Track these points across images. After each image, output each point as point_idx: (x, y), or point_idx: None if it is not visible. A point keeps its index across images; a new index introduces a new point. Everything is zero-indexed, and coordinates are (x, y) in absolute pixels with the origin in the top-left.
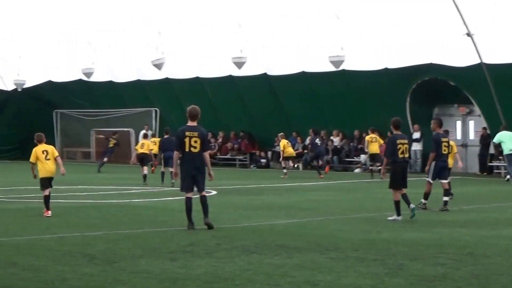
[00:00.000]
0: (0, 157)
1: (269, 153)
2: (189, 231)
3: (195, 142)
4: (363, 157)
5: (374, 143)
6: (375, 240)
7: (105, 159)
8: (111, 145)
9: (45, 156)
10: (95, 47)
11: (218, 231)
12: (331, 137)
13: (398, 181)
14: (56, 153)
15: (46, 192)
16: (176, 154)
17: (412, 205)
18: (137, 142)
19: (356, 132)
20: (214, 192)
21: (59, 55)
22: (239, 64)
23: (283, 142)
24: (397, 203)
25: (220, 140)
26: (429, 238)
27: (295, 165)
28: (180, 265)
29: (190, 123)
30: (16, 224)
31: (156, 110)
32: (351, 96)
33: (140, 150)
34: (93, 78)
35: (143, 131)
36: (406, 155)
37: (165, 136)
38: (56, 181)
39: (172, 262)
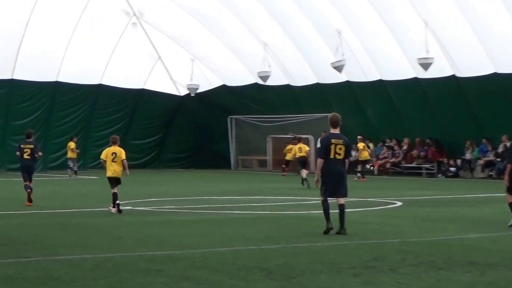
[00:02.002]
0: (171, 166)
1: (459, 161)
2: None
3: (340, 149)
4: None
5: None
6: None
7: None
8: None
9: (112, 158)
10: (271, 49)
11: (403, 245)
12: None
13: None
14: (123, 156)
15: (114, 190)
16: (320, 161)
17: None
18: (315, 149)
19: None
20: (399, 204)
21: (233, 58)
22: (425, 65)
23: (360, 145)
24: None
25: (405, 147)
26: None
27: (370, 168)
28: (363, 281)
29: (333, 131)
30: (189, 236)
31: None
32: None
33: (299, 154)
34: (269, 82)
35: (319, 138)
36: None
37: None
38: (231, 192)
39: (354, 277)
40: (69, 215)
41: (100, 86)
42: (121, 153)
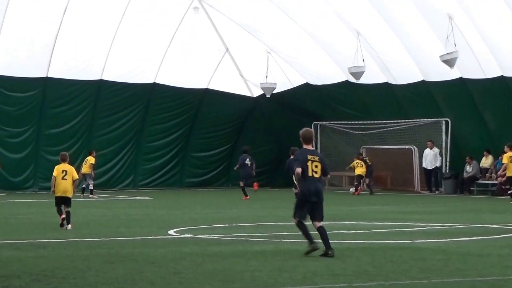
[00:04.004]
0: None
1: None
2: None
3: (316, 167)
4: None
5: None
6: None
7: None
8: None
9: (63, 176)
10: (365, 39)
11: None
12: None
13: None
14: (76, 176)
15: (67, 209)
16: (299, 169)
17: None
18: (420, 162)
19: None
20: None
21: (318, 50)
22: None
23: (353, 164)
24: None
25: None
26: None
27: None
28: None
29: (306, 147)
30: (264, 271)
31: (446, 121)
32: None
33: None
34: (363, 80)
35: (427, 149)
36: None
37: (291, 158)
38: None
39: None
40: (117, 244)
41: (154, 86)
42: (73, 171)
